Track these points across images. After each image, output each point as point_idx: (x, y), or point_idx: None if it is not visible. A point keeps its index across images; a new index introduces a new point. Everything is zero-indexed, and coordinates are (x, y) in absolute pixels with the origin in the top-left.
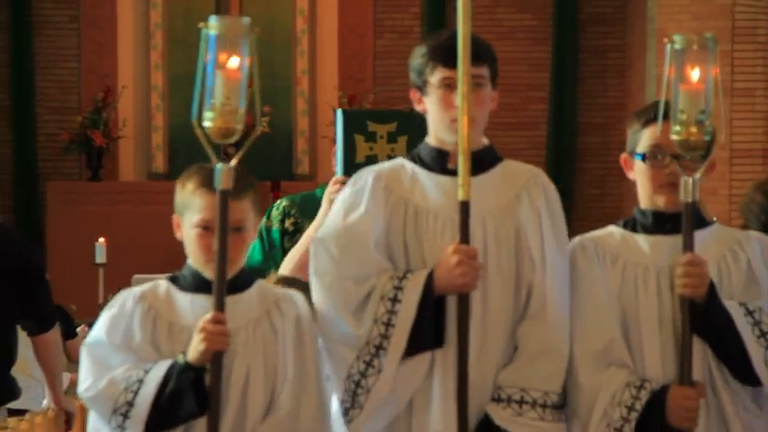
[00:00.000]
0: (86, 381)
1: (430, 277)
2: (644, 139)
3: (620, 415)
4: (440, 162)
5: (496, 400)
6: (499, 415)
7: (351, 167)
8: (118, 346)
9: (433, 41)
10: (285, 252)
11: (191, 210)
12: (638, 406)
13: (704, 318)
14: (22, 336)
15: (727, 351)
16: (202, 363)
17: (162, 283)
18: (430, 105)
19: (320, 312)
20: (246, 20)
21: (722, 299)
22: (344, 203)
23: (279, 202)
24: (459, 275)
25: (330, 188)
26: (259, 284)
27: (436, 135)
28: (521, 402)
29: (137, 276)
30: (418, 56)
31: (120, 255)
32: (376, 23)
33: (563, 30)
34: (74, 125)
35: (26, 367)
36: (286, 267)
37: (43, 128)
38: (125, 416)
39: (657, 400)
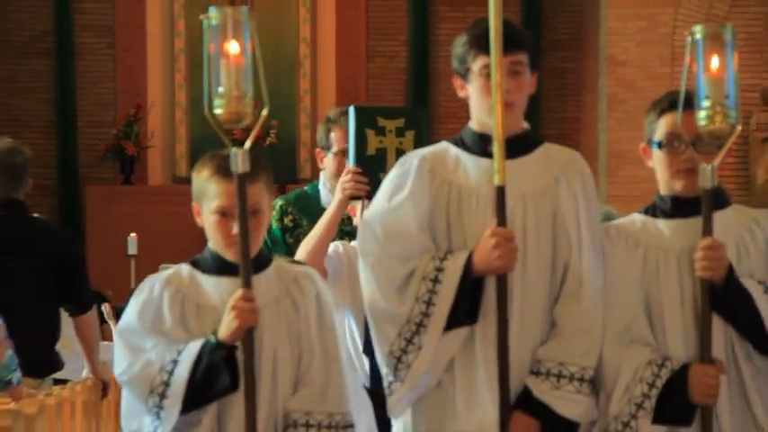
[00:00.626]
0: (122, 364)
1: (469, 259)
2: (660, 127)
3: (641, 391)
4: (481, 145)
5: (535, 373)
6: (539, 388)
7: (362, 159)
8: (149, 330)
9: (475, 30)
10: (288, 246)
11: (208, 197)
12: (659, 383)
13: (723, 298)
14: (65, 316)
15: (747, 328)
16: (234, 340)
17: (184, 267)
18: (472, 91)
19: (366, 291)
20: (245, 8)
21: (741, 278)
22: (390, 186)
23: (275, 203)
24: (496, 258)
25: (343, 178)
26: (276, 263)
27: (478, 119)
28: (559, 376)
29: (164, 265)
30: (460, 44)
31: (149, 247)
32: (368, 49)
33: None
34: (109, 137)
35: (68, 343)
36: (300, 256)
37: (83, 139)
38: (162, 395)
39: (679, 377)
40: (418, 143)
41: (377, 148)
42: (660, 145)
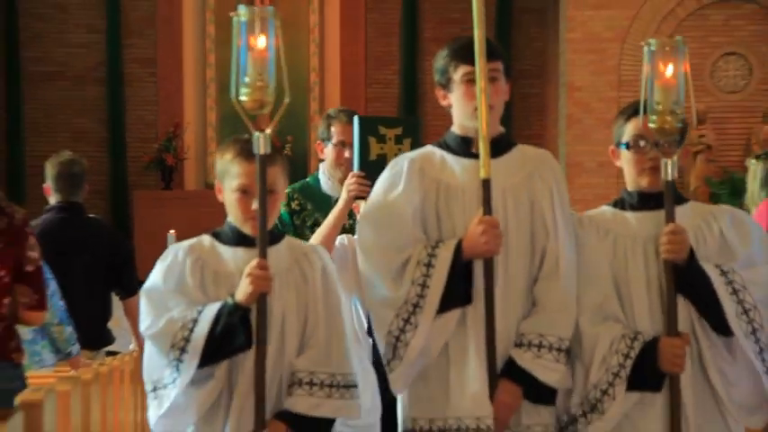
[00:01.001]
0: (146, 320)
1: (459, 245)
2: (627, 130)
3: (617, 362)
4: (464, 147)
5: (518, 345)
6: (522, 357)
7: (365, 164)
8: (172, 291)
9: (454, 45)
10: (295, 227)
11: (229, 176)
12: (633, 354)
13: (685, 278)
14: (116, 300)
15: (705, 306)
16: (249, 303)
17: (206, 238)
18: (454, 99)
19: (364, 278)
20: (271, 8)
21: (700, 261)
22: (384, 185)
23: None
24: (483, 243)
25: (348, 181)
26: (288, 239)
27: (460, 124)
28: (539, 346)
29: None
30: (441, 58)
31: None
32: (367, 77)
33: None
34: (152, 150)
35: (118, 322)
36: (314, 241)
37: (131, 152)
38: (182, 350)
39: (649, 349)
40: (414, 149)
41: (378, 153)
42: (628, 146)
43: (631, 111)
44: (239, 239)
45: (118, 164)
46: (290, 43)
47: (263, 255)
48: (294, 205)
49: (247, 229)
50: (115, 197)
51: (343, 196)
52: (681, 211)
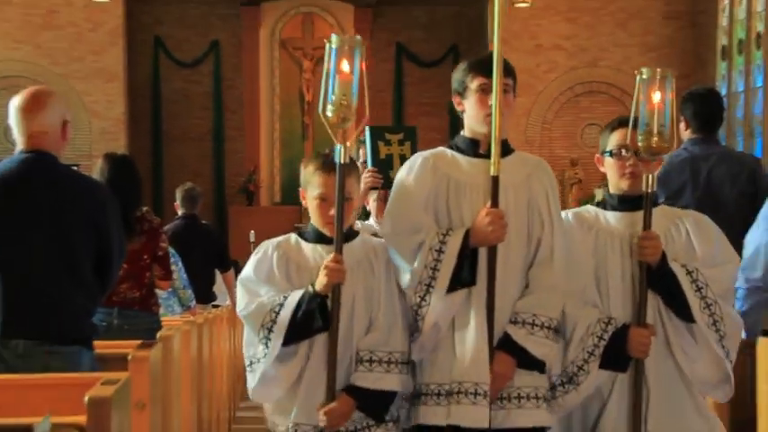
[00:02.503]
0: (241, 304)
1: (467, 233)
2: (612, 140)
3: (592, 342)
4: (473, 148)
5: (513, 322)
6: (517, 334)
7: (376, 162)
8: (263, 280)
9: (472, 60)
10: None
11: (311, 185)
12: (606, 337)
13: (656, 277)
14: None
15: (673, 300)
16: (326, 292)
17: (292, 236)
18: (468, 106)
19: (393, 262)
20: (358, 37)
21: (670, 262)
22: (400, 181)
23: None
24: (491, 231)
25: (365, 175)
26: (362, 236)
27: (471, 128)
28: (533, 324)
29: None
30: (460, 70)
31: (260, 238)
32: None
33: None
34: (240, 182)
35: (220, 287)
36: None
37: (228, 183)
38: (270, 329)
39: (620, 334)
40: (413, 150)
41: (386, 154)
42: (611, 153)
43: (616, 123)
44: (319, 238)
45: (220, 190)
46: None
47: (339, 250)
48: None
49: (326, 230)
50: (218, 211)
51: (361, 187)
52: (653, 214)
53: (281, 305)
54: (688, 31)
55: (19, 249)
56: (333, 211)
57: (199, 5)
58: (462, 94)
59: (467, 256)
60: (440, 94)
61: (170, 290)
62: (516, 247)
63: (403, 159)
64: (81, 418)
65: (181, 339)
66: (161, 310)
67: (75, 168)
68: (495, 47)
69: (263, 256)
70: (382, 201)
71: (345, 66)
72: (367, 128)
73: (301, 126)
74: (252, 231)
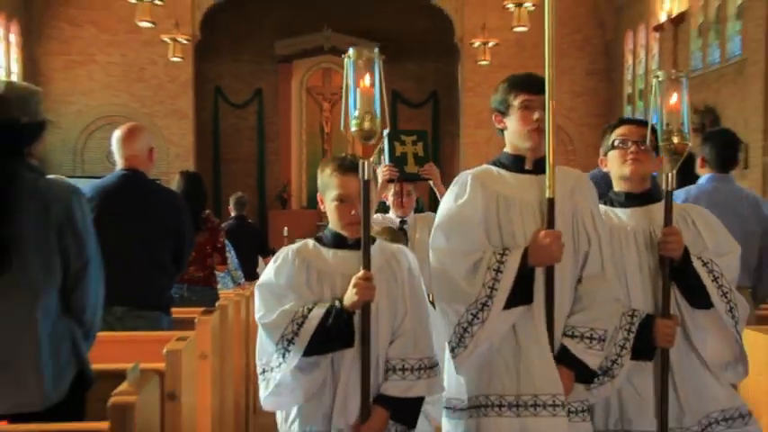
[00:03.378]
0: (260, 311)
1: (525, 253)
2: (613, 135)
3: (622, 336)
4: (518, 164)
5: (570, 336)
6: (575, 347)
7: (393, 158)
8: (283, 287)
9: (512, 79)
10: None
11: (329, 188)
12: (634, 329)
13: (680, 270)
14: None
15: (693, 290)
16: (354, 309)
17: (309, 242)
18: (511, 122)
19: (436, 276)
20: (376, 49)
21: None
22: (451, 197)
23: None
24: (550, 252)
25: (383, 169)
26: (379, 242)
27: (513, 144)
28: (590, 338)
29: (299, 240)
30: (501, 90)
31: (292, 232)
32: None
33: (436, 120)
34: (277, 191)
35: (262, 268)
36: None
37: (268, 193)
38: (290, 341)
39: (645, 325)
40: (425, 149)
41: (401, 152)
42: (613, 145)
43: (617, 122)
44: (338, 242)
45: (261, 198)
46: (338, 142)
47: (368, 267)
48: None
49: (346, 233)
50: (261, 213)
51: (379, 180)
52: (657, 207)
53: (305, 317)
54: (605, 83)
55: (117, 241)
56: (354, 211)
57: (247, 63)
58: (504, 112)
59: (525, 276)
60: (423, 128)
61: (225, 271)
62: (566, 263)
63: (416, 157)
64: (161, 365)
65: (233, 307)
66: (219, 286)
67: (158, 182)
68: (547, 72)
69: (282, 263)
70: (398, 195)
71: (367, 80)
72: (385, 132)
73: (321, 150)
74: (285, 228)
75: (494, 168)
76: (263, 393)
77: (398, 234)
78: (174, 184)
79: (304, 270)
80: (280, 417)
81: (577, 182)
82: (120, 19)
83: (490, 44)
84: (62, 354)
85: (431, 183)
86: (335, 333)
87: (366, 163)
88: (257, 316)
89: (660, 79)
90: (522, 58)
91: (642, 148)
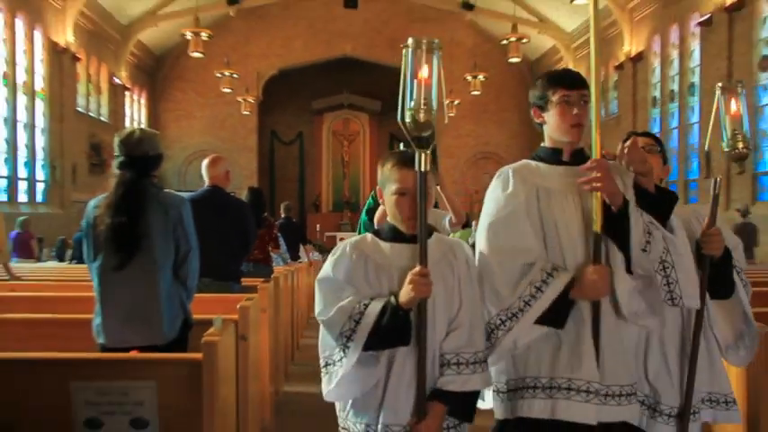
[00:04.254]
0: (319, 306)
1: (570, 283)
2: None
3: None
4: (556, 156)
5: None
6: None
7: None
8: (342, 281)
9: (550, 74)
10: (370, 218)
11: (390, 182)
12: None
13: (720, 267)
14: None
15: (723, 282)
16: (410, 306)
17: (368, 235)
18: (550, 117)
19: (482, 272)
20: (436, 40)
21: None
22: (496, 193)
23: (372, 193)
24: (596, 289)
25: None
26: (436, 235)
27: (552, 138)
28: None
29: (327, 234)
30: (539, 85)
31: (322, 228)
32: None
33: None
34: (312, 200)
35: (303, 253)
36: (378, 214)
37: (306, 201)
38: (349, 338)
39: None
40: (433, 155)
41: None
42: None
43: (627, 136)
44: (396, 236)
45: (302, 205)
46: (354, 161)
47: (424, 263)
48: (373, 203)
49: (404, 228)
50: (301, 215)
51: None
52: (678, 210)
53: (362, 314)
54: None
55: (207, 235)
56: (415, 206)
57: (292, 115)
58: (543, 107)
59: (562, 304)
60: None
61: (278, 254)
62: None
63: (434, 152)
64: (235, 317)
65: (283, 278)
66: (273, 264)
67: (233, 194)
68: (592, 61)
69: (341, 256)
70: None
71: (425, 70)
72: (402, 143)
73: (342, 174)
74: (318, 225)
75: (532, 162)
76: (325, 387)
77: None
78: (244, 195)
79: (362, 263)
80: (338, 405)
81: (620, 174)
82: (210, 87)
83: (455, 102)
84: (174, 307)
85: (437, 187)
86: (392, 330)
87: (423, 155)
88: (317, 311)
89: (722, 86)
90: (476, 111)
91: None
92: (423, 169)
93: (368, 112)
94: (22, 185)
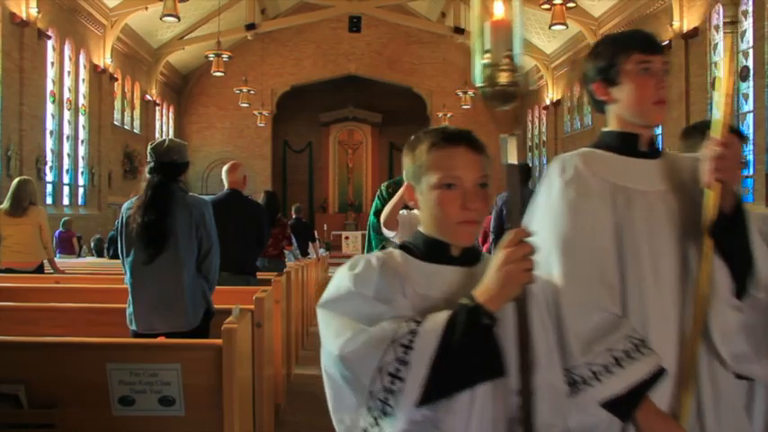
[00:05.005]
0: (339, 338)
1: (659, 372)
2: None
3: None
4: (629, 145)
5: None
6: None
7: None
8: (369, 296)
9: (620, 37)
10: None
11: (429, 170)
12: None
13: (725, 227)
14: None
15: (741, 252)
16: (499, 307)
17: (394, 251)
18: (623, 93)
19: (561, 305)
20: None
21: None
22: (563, 191)
23: (383, 184)
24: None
25: None
26: (484, 255)
27: (623, 119)
28: None
29: (333, 232)
30: (603, 53)
31: (329, 227)
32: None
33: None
34: (321, 203)
35: (312, 249)
36: (383, 214)
37: (315, 204)
38: (393, 380)
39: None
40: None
41: None
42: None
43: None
44: (437, 253)
45: (311, 206)
46: (358, 166)
47: (518, 224)
48: (391, 190)
49: (453, 237)
50: (311, 215)
51: (405, 181)
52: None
53: (414, 333)
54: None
55: (226, 234)
56: (473, 203)
57: (303, 127)
58: (612, 79)
59: (637, 396)
60: None
61: (290, 251)
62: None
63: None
64: (251, 307)
65: (295, 273)
66: (286, 260)
67: (249, 197)
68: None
69: (364, 269)
70: None
71: (498, 7)
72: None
73: (347, 179)
74: (325, 224)
75: (597, 151)
76: None
77: None
78: (260, 198)
79: (398, 286)
80: None
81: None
82: (229, 102)
83: (448, 115)
84: (197, 298)
85: None
86: (472, 353)
87: (509, 139)
88: (325, 351)
89: None
90: (467, 123)
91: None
92: (512, 160)
93: (370, 124)
94: (66, 190)
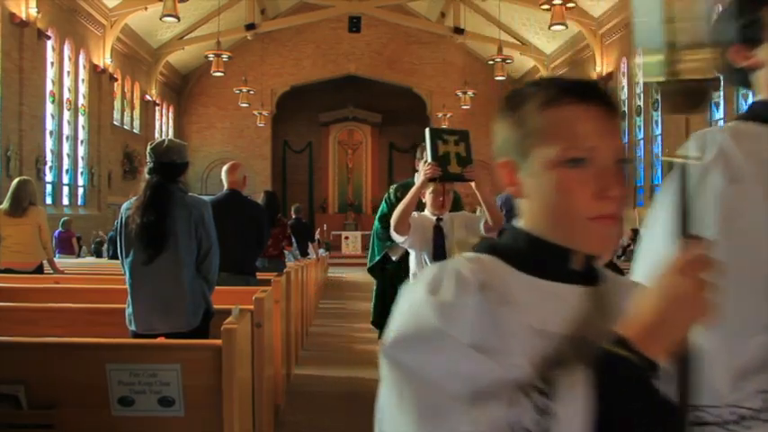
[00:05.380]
0: (424, 427)
1: None
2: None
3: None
4: None
5: None
6: None
7: (435, 157)
8: (468, 345)
9: None
10: (391, 208)
11: (543, 140)
12: None
13: None
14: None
15: None
16: (664, 349)
17: (485, 258)
18: None
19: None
20: None
21: None
22: (711, 175)
23: (392, 187)
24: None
25: (425, 167)
26: (606, 272)
27: None
28: None
29: (333, 232)
30: (743, 6)
31: (329, 228)
32: (376, 176)
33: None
34: (321, 203)
35: (312, 250)
36: (394, 215)
37: (315, 204)
38: None
39: None
40: (467, 150)
41: (443, 151)
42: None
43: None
44: (553, 265)
45: (311, 207)
46: (358, 166)
47: (688, 233)
48: (399, 195)
49: (583, 239)
50: (311, 215)
51: (420, 179)
52: None
53: (544, 411)
54: None
55: (226, 234)
56: (613, 189)
57: (303, 126)
58: (754, 38)
59: None
60: (409, 168)
61: (290, 251)
62: None
63: (459, 157)
64: (252, 307)
65: (294, 273)
66: (286, 260)
67: (249, 197)
68: None
69: (456, 293)
70: (439, 194)
71: None
72: (427, 129)
73: (346, 179)
74: (325, 225)
75: (748, 124)
76: None
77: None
78: (260, 198)
79: (505, 313)
80: None
81: None
82: (229, 102)
83: (448, 115)
84: (197, 298)
85: (472, 185)
86: (640, 424)
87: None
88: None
89: None
90: (467, 123)
91: None
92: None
93: (370, 124)
94: (65, 190)
